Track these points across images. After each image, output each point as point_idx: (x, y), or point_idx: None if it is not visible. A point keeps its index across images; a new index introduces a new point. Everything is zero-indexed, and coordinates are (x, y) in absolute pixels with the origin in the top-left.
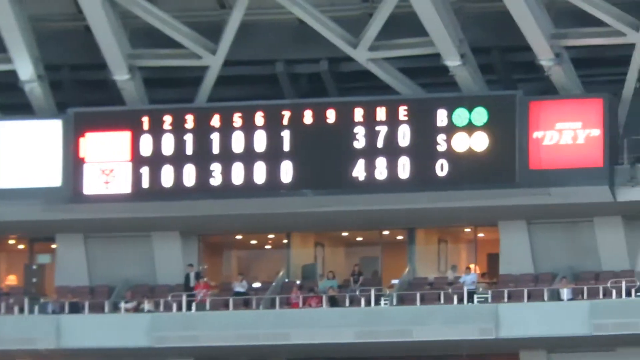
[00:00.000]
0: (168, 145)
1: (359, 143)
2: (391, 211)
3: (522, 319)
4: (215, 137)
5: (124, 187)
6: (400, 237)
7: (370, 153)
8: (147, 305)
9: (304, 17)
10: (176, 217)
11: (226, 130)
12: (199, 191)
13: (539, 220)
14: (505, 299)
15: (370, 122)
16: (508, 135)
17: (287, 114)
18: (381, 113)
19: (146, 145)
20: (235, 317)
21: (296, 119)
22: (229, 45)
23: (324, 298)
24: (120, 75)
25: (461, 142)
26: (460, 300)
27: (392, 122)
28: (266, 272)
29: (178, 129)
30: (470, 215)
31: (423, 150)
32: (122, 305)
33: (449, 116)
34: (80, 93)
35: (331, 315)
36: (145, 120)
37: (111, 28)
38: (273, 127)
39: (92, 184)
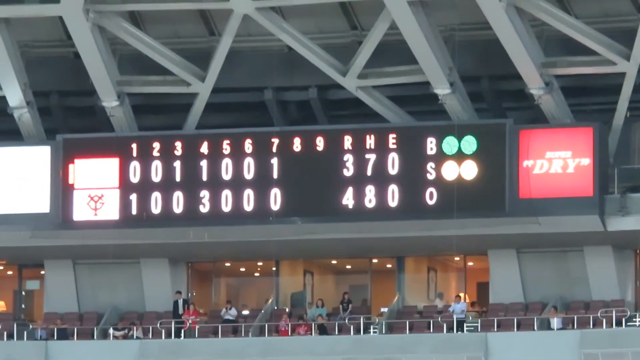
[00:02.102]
0: (157, 172)
1: (348, 171)
2: (380, 239)
3: (511, 348)
4: (204, 164)
5: (113, 213)
6: (389, 266)
7: (359, 181)
8: (135, 332)
9: (293, 44)
10: (165, 244)
11: (215, 157)
12: (188, 218)
13: (529, 249)
14: (495, 328)
15: (359, 149)
16: (498, 163)
17: (276, 142)
18: (370, 141)
19: (135, 172)
20: (223, 344)
21: (285, 146)
22: (217, 73)
23: (313, 326)
24: (109, 101)
25: (451, 171)
26: (450, 329)
27: (382, 150)
28: (255, 300)
29: (167, 156)
30: (460, 244)
31: (412, 179)
32: (112, 332)
33: (439, 144)
34: (69, 119)
35: (320, 343)
36: (134, 146)
37: (100, 54)
38: (262, 155)
39: (81, 211)
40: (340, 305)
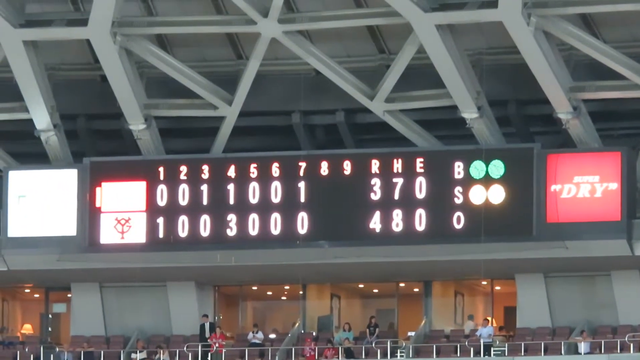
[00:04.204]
0: (184, 195)
1: (376, 195)
2: (407, 263)
3: None
4: (231, 188)
5: (140, 236)
6: (416, 290)
7: (386, 205)
8: (162, 356)
9: (320, 68)
10: (191, 267)
11: (242, 181)
12: (215, 242)
13: (556, 273)
14: (522, 353)
15: (386, 173)
16: (525, 188)
17: (303, 165)
18: (398, 165)
19: (162, 195)
20: None
21: (312, 170)
22: (245, 96)
23: (340, 350)
24: (136, 125)
25: (478, 195)
26: (477, 353)
27: (409, 174)
28: (282, 323)
29: (194, 180)
30: (487, 268)
31: (440, 203)
32: (135, 355)
33: (466, 168)
34: (96, 142)
35: None
36: (161, 170)
37: (127, 77)
38: (289, 178)
39: (108, 234)
40: (367, 329)
